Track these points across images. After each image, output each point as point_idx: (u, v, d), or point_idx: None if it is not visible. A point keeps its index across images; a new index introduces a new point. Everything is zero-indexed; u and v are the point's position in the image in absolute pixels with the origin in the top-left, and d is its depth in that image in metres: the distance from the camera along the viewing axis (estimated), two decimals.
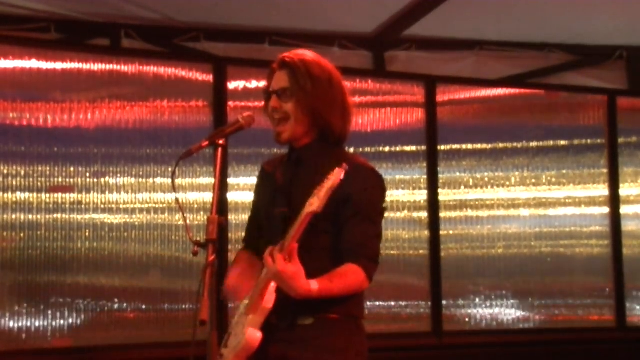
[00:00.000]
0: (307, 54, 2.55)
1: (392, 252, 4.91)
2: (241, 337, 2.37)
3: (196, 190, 4.54)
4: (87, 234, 4.32)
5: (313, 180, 2.32)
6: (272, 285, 2.34)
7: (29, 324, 4.16)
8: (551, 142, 5.39)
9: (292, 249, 2.23)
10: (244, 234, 2.76)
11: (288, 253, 2.23)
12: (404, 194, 4.99)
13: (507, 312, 5.20)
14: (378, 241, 2.47)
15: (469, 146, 5.20)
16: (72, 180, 4.31)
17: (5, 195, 4.17)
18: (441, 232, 5.04)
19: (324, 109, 2.48)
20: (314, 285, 2.27)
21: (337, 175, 2.20)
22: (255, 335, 2.35)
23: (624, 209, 5.48)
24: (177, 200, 4.48)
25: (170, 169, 4.43)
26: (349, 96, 2.57)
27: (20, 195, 4.19)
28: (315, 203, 2.19)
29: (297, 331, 2.42)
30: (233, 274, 2.57)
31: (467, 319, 5.09)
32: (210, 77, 4.63)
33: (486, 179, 5.22)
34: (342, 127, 2.54)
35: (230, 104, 4.63)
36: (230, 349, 2.40)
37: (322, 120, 2.49)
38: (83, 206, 4.32)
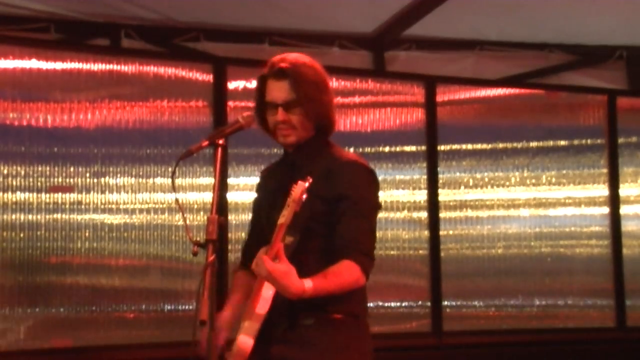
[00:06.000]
0: (301, 58, 2.53)
1: (392, 252, 4.91)
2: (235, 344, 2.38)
3: (196, 190, 4.54)
4: (87, 234, 4.32)
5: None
6: (269, 292, 2.34)
7: (29, 324, 4.16)
8: (551, 142, 5.39)
9: (278, 248, 2.22)
10: (241, 252, 2.75)
11: (274, 253, 2.21)
12: (403, 194, 4.99)
13: (507, 312, 5.20)
14: (372, 236, 2.45)
15: (469, 146, 5.20)
16: (72, 180, 4.31)
17: (5, 195, 4.17)
18: (441, 232, 5.04)
19: (328, 111, 2.52)
20: (308, 284, 2.24)
21: (300, 188, 2.21)
22: (245, 342, 2.35)
23: (623, 209, 5.48)
24: (177, 200, 4.48)
25: (170, 169, 4.43)
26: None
27: (20, 195, 4.19)
28: (285, 215, 2.22)
29: (299, 331, 2.41)
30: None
31: (467, 319, 5.09)
32: (210, 77, 4.63)
33: (486, 179, 5.22)
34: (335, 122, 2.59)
35: (230, 104, 4.63)
36: (230, 357, 2.41)
37: (327, 120, 2.53)
38: (83, 206, 4.32)
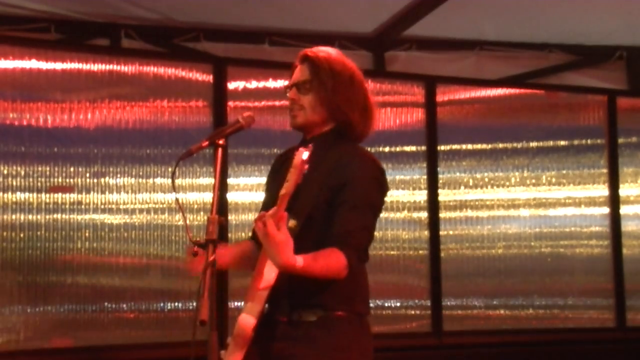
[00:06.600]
0: (331, 51, 2.59)
1: (392, 252, 4.91)
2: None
3: (196, 190, 4.54)
4: (87, 234, 4.32)
5: (315, 173, 2.33)
6: (272, 274, 2.33)
7: (29, 324, 4.16)
8: (551, 142, 5.39)
9: (281, 216, 2.20)
10: (252, 230, 2.75)
11: (278, 220, 2.20)
12: (403, 194, 4.99)
13: (507, 312, 5.20)
14: (365, 233, 2.43)
15: (469, 146, 5.20)
16: (72, 180, 4.31)
17: (5, 195, 4.17)
18: (441, 232, 5.04)
19: (343, 104, 2.51)
20: (300, 261, 2.22)
21: (299, 155, 2.21)
22: (247, 320, 2.35)
23: (624, 209, 5.48)
24: (177, 200, 4.47)
25: (170, 169, 4.43)
26: (371, 97, 2.62)
27: (20, 195, 4.19)
28: (286, 186, 2.22)
29: (301, 328, 2.41)
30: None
31: (467, 319, 5.09)
32: (210, 77, 4.63)
33: (486, 179, 5.22)
34: (363, 125, 2.57)
35: (230, 104, 4.63)
36: (231, 338, 2.41)
37: (341, 114, 2.52)
38: (83, 206, 4.32)
